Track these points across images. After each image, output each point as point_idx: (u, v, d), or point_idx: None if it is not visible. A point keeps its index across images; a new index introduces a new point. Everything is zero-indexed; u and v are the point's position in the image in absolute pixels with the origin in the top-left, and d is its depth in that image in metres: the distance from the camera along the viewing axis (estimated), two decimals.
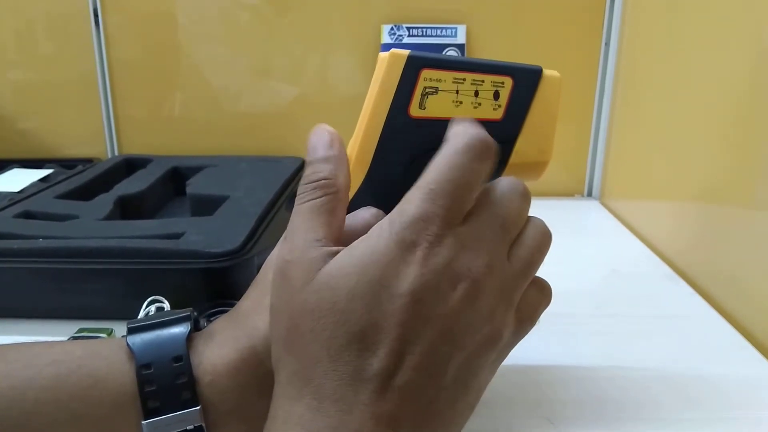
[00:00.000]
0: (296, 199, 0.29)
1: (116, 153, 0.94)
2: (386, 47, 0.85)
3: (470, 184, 0.27)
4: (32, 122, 0.95)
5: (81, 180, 0.73)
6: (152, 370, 0.30)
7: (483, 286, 0.26)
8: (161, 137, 0.93)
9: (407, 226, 0.25)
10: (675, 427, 0.39)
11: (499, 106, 0.33)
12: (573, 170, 0.91)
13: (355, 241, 0.26)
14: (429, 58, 0.32)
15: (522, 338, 0.30)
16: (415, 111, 0.32)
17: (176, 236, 0.53)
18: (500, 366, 0.45)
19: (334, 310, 0.24)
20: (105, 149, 0.95)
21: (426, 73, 0.32)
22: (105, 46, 0.90)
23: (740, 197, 0.55)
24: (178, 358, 0.31)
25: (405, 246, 0.25)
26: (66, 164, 0.87)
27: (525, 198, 0.29)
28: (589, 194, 0.92)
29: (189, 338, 0.32)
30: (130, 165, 0.82)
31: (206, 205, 0.64)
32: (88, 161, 0.89)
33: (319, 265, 0.26)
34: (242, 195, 0.65)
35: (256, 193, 0.65)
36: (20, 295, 0.53)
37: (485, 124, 0.30)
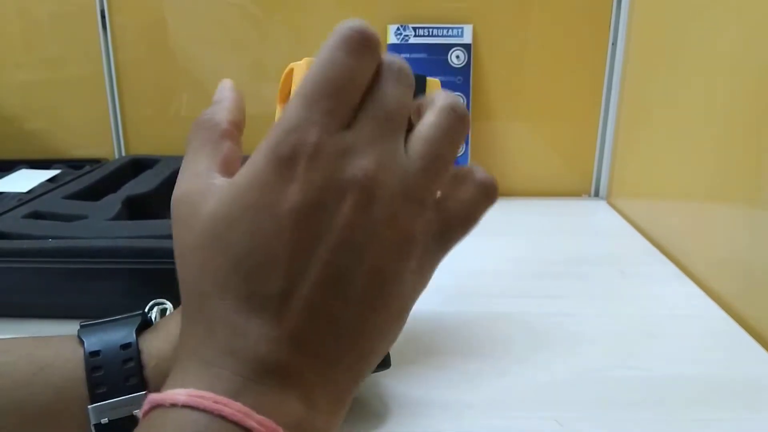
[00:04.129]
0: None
1: (123, 153, 0.95)
2: (392, 48, 0.85)
3: (350, 82, 0.24)
4: (40, 123, 0.95)
5: (89, 180, 0.74)
6: (100, 356, 0.31)
7: (375, 190, 0.23)
8: (168, 137, 0.93)
9: (283, 140, 0.23)
10: (682, 428, 0.39)
11: None
12: (580, 170, 0.91)
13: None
14: None
15: (457, 240, 0.27)
16: None
17: None
18: (509, 365, 0.45)
19: (217, 240, 0.23)
20: (112, 150, 0.95)
21: None
22: (112, 47, 0.90)
23: (748, 196, 0.54)
24: (126, 345, 0.32)
25: (283, 162, 0.23)
26: (73, 165, 0.87)
27: (402, 81, 0.25)
28: (596, 194, 0.91)
29: (139, 330, 0.33)
30: (137, 165, 0.82)
31: None
32: (95, 162, 0.89)
33: (202, 197, 0.24)
34: None
35: None
36: (29, 295, 0.53)
37: None
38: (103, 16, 0.89)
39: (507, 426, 0.39)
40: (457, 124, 0.25)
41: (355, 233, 0.23)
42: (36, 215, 0.62)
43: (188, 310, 0.24)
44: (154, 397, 0.21)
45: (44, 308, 0.53)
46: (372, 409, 0.40)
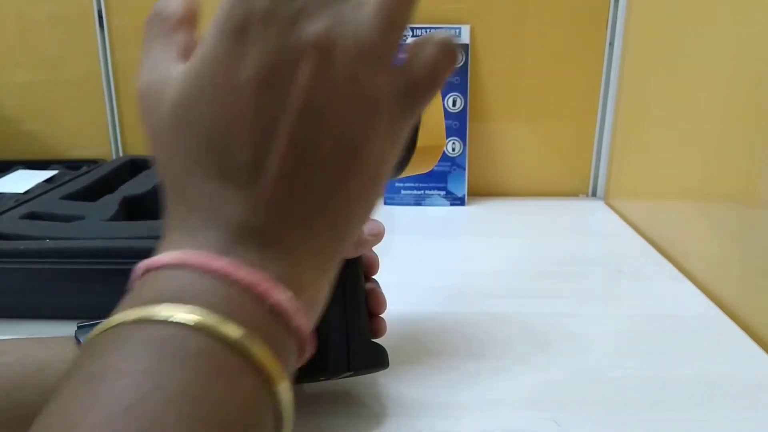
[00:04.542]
0: None
1: (121, 154, 0.95)
2: None
3: None
4: (37, 123, 0.95)
5: (86, 181, 0.73)
6: None
7: (332, 52, 0.23)
8: None
9: (231, 12, 0.23)
10: (682, 428, 0.39)
11: None
12: (577, 170, 0.91)
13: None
14: None
15: (424, 100, 0.26)
16: None
17: None
18: (508, 365, 0.45)
19: (182, 122, 0.23)
20: (110, 150, 0.95)
21: None
22: (109, 47, 0.90)
23: (746, 197, 0.54)
24: None
25: (235, 33, 0.23)
26: (71, 165, 0.87)
27: None
28: (594, 194, 0.92)
29: None
30: (135, 166, 0.82)
31: None
32: (93, 162, 0.89)
33: (163, 85, 0.24)
34: None
35: None
36: (27, 296, 0.53)
37: None
38: (100, 17, 0.89)
39: (506, 426, 0.39)
40: None
41: (316, 97, 0.23)
42: (33, 216, 0.62)
43: (167, 190, 0.25)
44: (144, 262, 0.22)
45: (42, 309, 0.52)
46: (370, 410, 0.40)
